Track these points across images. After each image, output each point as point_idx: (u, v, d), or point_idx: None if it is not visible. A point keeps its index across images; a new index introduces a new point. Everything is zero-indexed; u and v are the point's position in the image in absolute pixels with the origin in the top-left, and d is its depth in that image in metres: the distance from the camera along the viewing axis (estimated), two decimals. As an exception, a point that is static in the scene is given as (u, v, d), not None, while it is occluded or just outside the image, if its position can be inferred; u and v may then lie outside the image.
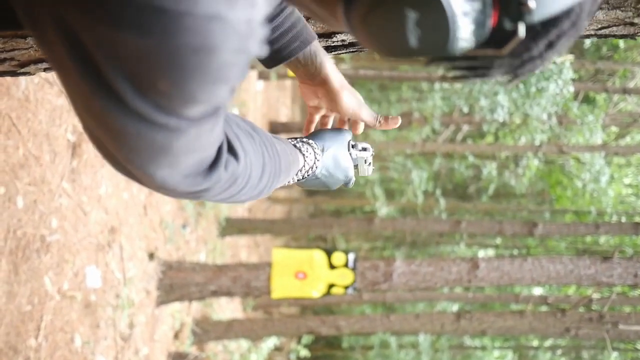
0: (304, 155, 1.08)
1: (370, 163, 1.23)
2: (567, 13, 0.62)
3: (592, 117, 9.72)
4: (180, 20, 0.49)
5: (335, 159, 1.14)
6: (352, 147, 1.19)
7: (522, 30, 0.60)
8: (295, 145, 1.08)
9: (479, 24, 0.60)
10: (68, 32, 0.52)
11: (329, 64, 1.13)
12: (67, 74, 0.57)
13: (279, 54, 1.05)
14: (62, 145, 4.14)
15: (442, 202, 11.23)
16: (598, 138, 10.02)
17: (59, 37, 0.53)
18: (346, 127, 1.25)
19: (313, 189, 1.19)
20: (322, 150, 1.12)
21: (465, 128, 12.08)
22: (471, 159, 11.69)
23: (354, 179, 1.20)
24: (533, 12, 0.58)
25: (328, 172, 1.13)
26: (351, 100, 1.17)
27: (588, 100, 11.16)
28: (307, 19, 1.08)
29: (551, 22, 0.62)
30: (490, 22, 0.60)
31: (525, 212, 12.95)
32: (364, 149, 1.22)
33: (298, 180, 1.10)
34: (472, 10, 0.58)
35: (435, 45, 0.61)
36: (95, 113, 0.59)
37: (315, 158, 1.10)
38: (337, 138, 1.15)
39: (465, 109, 10.36)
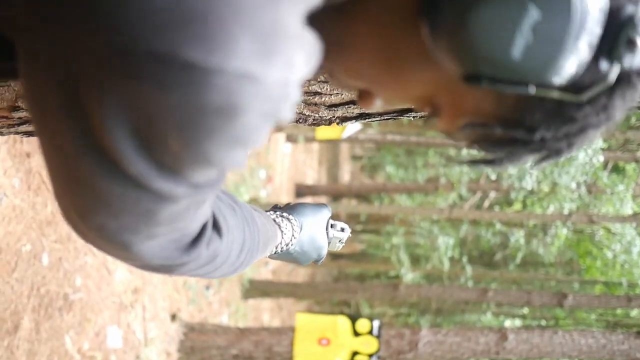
0: (282, 232, 1.04)
1: (343, 242, 1.19)
2: None
3: (622, 186, 9.60)
4: (208, 77, 0.44)
5: (312, 237, 1.10)
6: (331, 226, 1.16)
7: (614, 74, 0.50)
8: (275, 220, 1.04)
9: (588, 54, 0.50)
10: (69, 81, 0.46)
11: None
12: (49, 126, 0.51)
13: None
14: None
15: (469, 269, 11.08)
16: (628, 208, 9.87)
17: (54, 83, 0.47)
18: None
19: (282, 261, 1.14)
20: (301, 228, 1.08)
21: (493, 195, 11.99)
22: (498, 226, 11.57)
23: (324, 257, 1.16)
24: (637, 55, 0.49)
25: (302, 249, 1.09)
26: None
27: (617, 170, 11.06)
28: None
29: (637, 72, 0.52)
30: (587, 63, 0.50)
31: (553, 282, 12.71)
32: (342, 229, 1.18)
33: (270, 254, 1.05)
34: (593, 34, 0.49)
35: (538, 65, 0.50)
36: (75, 175, 0.53)
37: (293, 235, 1.06)
38: (317, 215, 1.12)
39: (493, 176, 10.31)
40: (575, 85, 0.52)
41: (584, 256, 11.47)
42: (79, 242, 4.01)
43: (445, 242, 11.25)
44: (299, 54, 0.48)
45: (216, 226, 0.73)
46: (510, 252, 12.81)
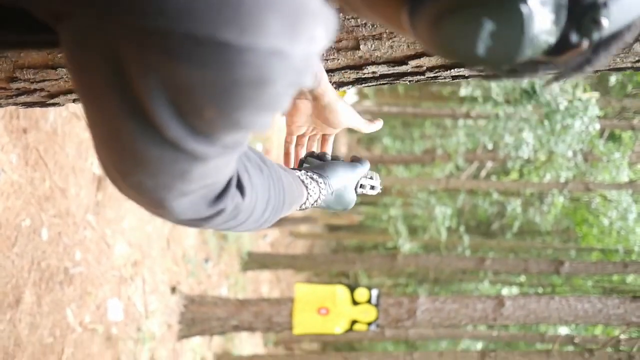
0: (308, 193, 1.05)
1: (378, 190, 1.21)
2: (629, 26, 0.61)
3: (618, 154, 9.61)
4: (242, 55, 0.49)
5: (339, 196, 1.13)
6: (361, 186, 1.17)
7: (585, 44, 0.58)
8: (303, 181, 1.05)
9: (550, 41, 0.58)
10: (114, 59, 0.51)
11: (325, 77, 1.12)
12: (96, 96, 0.56)
13: None
14: (88, 178, 4.17)
15: (466, 238, 11.14)
16: (624, 175, 9.89)
17: (100, 61, 0.52)
18: (328, 147, 1.25)
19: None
20: (330, 191, 1.09)
21: (489, 165, 12.01)
22: (495, 195, 11.60)
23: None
24: (603, 30, 0.57)
25: (326, 204, 1.12)
26: (348, 110, 1.17)
27: (614, 138, 11.06)
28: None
29: (613, 36, 0.61)
30: (557, 37, 0.59)
31: (550, 250, 12.79)
32: (372, 187, 1.19)
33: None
34: (548, 31, 0.57)
35: (501, 57, 0.59)
36: (118, 137, 0.58)
37: (319, 197, 1.07)
38: (347, 175, 1.13)
39: (490, 146, 10.31)
40: (554, 51, 0.60)
41: (581, 224, 11.51)
42: (78, 216, 4.02)
43: (443, 212, 11.29)
44: (319, 29, 0.54)
45: (240, 185, 0.77)
46: (507, 221, 12.86)
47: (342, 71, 1.10)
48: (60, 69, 1.10)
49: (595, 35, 0.58)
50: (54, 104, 1.21)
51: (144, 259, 5.15)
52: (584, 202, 11.47)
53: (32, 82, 1.13)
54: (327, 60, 1.08)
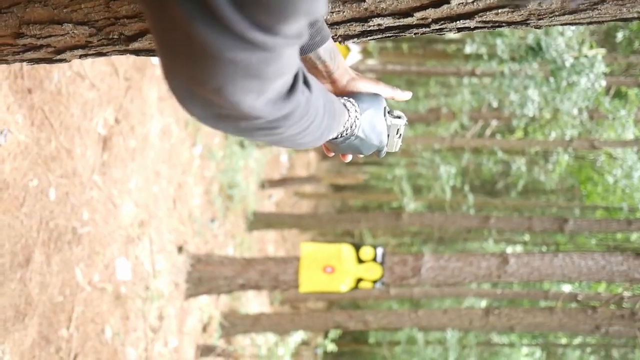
0: (348, 110, 1.08)
1: (401, 135, 1.23)
2: None
3: (624, 111, 9.56)
4: None
5: (371, 121, 1.14)
6: (388, 112, 1.19)
7: None
8: (339, 100, 1.07)
9: None
10: None
11: (342, 59, 1.14)
12: (157, 4, 0.58)
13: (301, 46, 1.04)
14: (93, 138, 4.18)
15: (471, 197, 11.16)
16: (630, 133, 9.85)
17: None
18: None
19: (345, 152, 1.19)
20: (361, 111, 1.12)
21: (494, 123, 11.97)
22: (500, 154, 11.59)
23: (386, 147, 1.20)
24: None
25: (364, 134, 1.13)
26: (369, 85, 1.18)
27: (620, 95, 10.99)
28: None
29: None
30: None
31: (554, 209, 12.81)
32: (399, 117, 1.22)
33: (336, 138, 1.10)
34: None
35: None
36: (188, 41, 0.59)
37: (356, 116, 1.10)
38: (374, 102, 1.15)
39: (495, 104, 10.27)
40: None
41: (585, 182, 11.51)
42: (85, 177, 4.04)
43: (447, 172, 11.30)
44: None
45: (305, 79, 0.79)
46: (512, 180, 12.88)
47: (348, 24, 1.10)
48: (66, 24, 1.10)
49: None
50: (60, 60, 1.21)
51: (151, 219, 5.19)
52: (588, 160, 11.45)
53: (38, 38, 1.13)
54: (332, 12, 1.08)
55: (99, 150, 4.26)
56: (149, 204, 5.17)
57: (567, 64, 7.86)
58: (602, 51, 8.28)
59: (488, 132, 12.47)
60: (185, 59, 0.62)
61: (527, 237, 13.04)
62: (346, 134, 1.10)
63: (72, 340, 3.86)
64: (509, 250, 13.88)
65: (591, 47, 8.13)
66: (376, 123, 1.15)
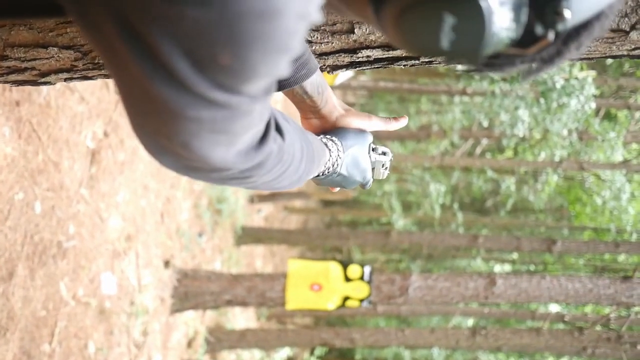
0: (329, 149, 1.07)
1: (387, 167, 1.22)
2: (598, 16, 0.62)
3: (613, 133, 9.61)
4: None
5: (355, 159, 1.13)
6: (373, 150, 1.19)
7: (551, 36, 0.60)
8: (321, 139, 1.07)
9: (513, 33, 0.60)
10: (117, 14, 0.50)
11: (332, 94, 1.13)
12: (118, 60, 0.56)
13: (283, 80, 1.03)
14: (82, 151, 4.15)
15: (460, 216, 11.16)
16: (619, 155, 9.90)
17: (106, 20, 0.51)
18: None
19: (328, 186, 1.18)
20: (345, 149, 1.11)
21: (485, 142, 12.01)
22: (490, 173, 11.61)
23: (371, 181, 1.19)
24: (567, 21, 0.58)
25: (347, 171, 1.12)
26: (359, 119, 1.17)
27: (609, 117, 11.05)
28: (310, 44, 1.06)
29: (582, 27, 0.63)
30: (522, 30, 0.60)
31: (543, 228, 12.83)
32: (384, 153, 1.21)
33: (318, 176, 1.09)
34: (510, 23, 0.58)
35: (466, 50, 0.60)
36: (150, 99, 0.57)
37: (338, 155, 1.09)
38: (359, 139, 1.14)
39: (485, 123, 10.30)
40: (521, 43, 0.61)
41: (574, 202, 11.54)
42: (72, 190, 4.01)
43: (437, 189, 11.29)
44: None
45: (278, 127, 0.78)
46: (501, 199, 12.90)
47: (336, 55, 1.09)
48: (51, 47, 1.09)
49: (560, 27, 0.59)
50: (45, 83, 1.20)
51: (138, 233, 5.15)
52: (577, 180, 11.49)
53: (22, 61, 1.12)
54: (322, 43, 1.07)
55: (87, 163, 4.24)
56: (137, 218, 5.13)
57: (558, 86, 7.90)
58: (592, 73, 8.33)
59: (478, 150, 12.51)
60: (149, 114, 0.60)
61: (515, 256, 13.05)
62: (328, 172, 1.09)
63: (54, 355, 3.81)
64: (497, 268, 13.88)
65: (582, 69, 8.17)
66: (360, 160, 1.14)
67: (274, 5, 0.49)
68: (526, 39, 0.61)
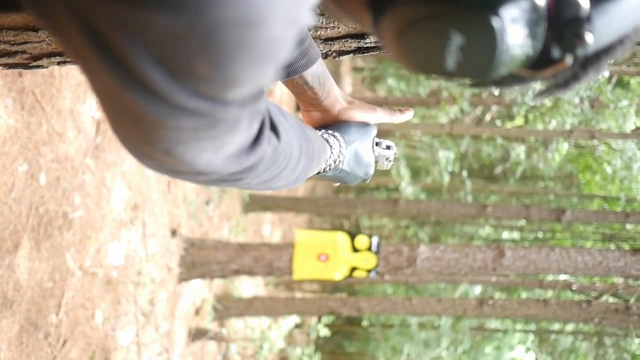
0: (330, 146, 1.02)
1: (391, 160, 1.17)
2: (621, 40, 0.57)
3: (625, 101, 9.49)
4: None
5: (358, 155, 1.08)
6: (377, 144, 1.14)
7: (570, 60, 0.54)
8: (322, 135, 1.02)
9: (527, 56, 0.54)
10: (79, 16, 0.43)
11: (335, 86, 1.07)
12: (88, 66, 0.49)
13: (283, 70, 0.96)
14: (86, 121, 4.10)
15: (468, 183, 11.12)
16: (631, 123, 9.79)
17: (68, 21, 0.45)
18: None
19: (329, 181, 1.12)
20: (347, 144, 1.06)
21: (495, 109, 11.90)
22: (499, 141, 11.53)
23: (371, 176, 1.15)
24: (588, 46, 0.52)
25: (349, 167, 1.08)
26: (363, 111, 1.11)
27: (622, 84, 10.91)
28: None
29: (603, 51, 0.57)
30: (537, 53, 0.54)
31: (552, 196, 12.78)
32: (388, 147, 1.16)
33: (318, 172, 1.04)
34: (524, 45, 0.52)
35: (474, 72, 0.54)
36: (126, 108, 0.51)
37: (340, 152, 1.04)
38: (362, 133, 1.09)
39: (496, 90, 10.18)
40: (535, 64, 0.56)
41: (584, 171, 11.48)
42: (77, 161, 3.97)
43: (446, 157, 11.24)
44: None
45: (273, 127, 0.72)
46: (510, 166, 12.84)
47: (343, 40, 1.03)
48: (41, 31, 1.03)
49: (580, 51, 0.53)
50: (37, 66, 1.14)
51: (144, 203, 5.13)
52: (588, 148, 11.40)
53: (12, 44, 1.06)
54: (327, 28, 1.01)
55: (92, 133, 4.19)
56: (143, 187, 5.11)
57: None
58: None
59: (488, 117, 12.40)
60: (127, 122, 0.54)
61: (523, 222, 13.02)
62: (329, 169, 1.04)
63: (62, 325, 3.82)
64: (505, 235, 13.87)
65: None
66: (363, 156, 1.09)
67: (257, 14, 0.42)
68: (541, 60, 0.55)
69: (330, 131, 1.05)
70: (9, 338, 3.27)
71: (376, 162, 1.14)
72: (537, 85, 0.63)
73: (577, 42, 0.52)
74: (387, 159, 1.16)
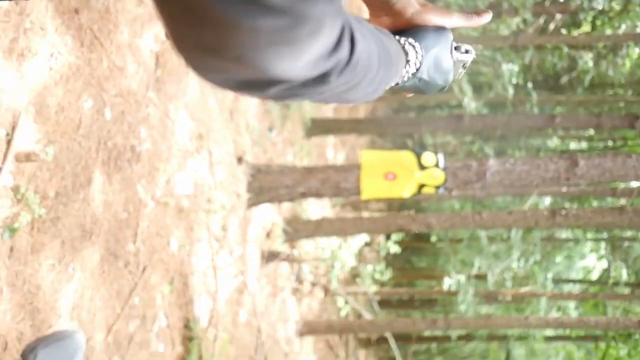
0: (407, 53, 0.95)
1: (466, 66, 1.10)
2: None
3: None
4: None
5: (437, 61, 1.00)
6: (455, 49, 1.05)
7: None
8: (398, 41, 0.94)
9: None
10: None
11: None
12: None
13: None
14: (146, 55, 4.11)
15: (534, 95, 10.78)
16: None
17: None
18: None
19: (407, 91, 1.06)
20: (425, 51, 0.98)
21: (559, 17, 11.38)
22: (565, 50, 11.06)
23: (450, 82, 1.07)
24: None
25: (428, 76, 1.00)
26: (437, 14, 1.01)
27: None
28: None
29: None
30: None
31: (622, 103, 12.30)
32: (467, 51, 1.08)
33: (396, 83, 0.97)
34: None
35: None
36: (193, 8, 0.47)
37: (417, 59, 0.96)
38: (440, 38, 1.00)
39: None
40: None
41: (657, 73, 10.97)
42: (139, 94, 4.00)
43: (509, 69, 10.88)
44: None
45: (351, 34, 0.67)
46: (578, 75, 12.37)
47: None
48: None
49: None
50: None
51: (209, 132, 5.17)
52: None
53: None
54: None
55: (152, 66, 4.20)
56: (206, 117, 5.13)
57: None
58: None
59: (552, 27, 11.89)
60: (192, 26, 0.49)
61: (592, 132, 12.63)
62: (408, 79, 0.97)
63: (139, 253, 3.94)
64: (573, 146, 13.51)
65: None
66: (442, 62, 1.01)
67: None
68: None
69: (405, 37, 0.97)
70: (91, 268, 3.39)
71: (453, 66, 1.06)
72: None
73: None
74: (463, 65, 1.08)
